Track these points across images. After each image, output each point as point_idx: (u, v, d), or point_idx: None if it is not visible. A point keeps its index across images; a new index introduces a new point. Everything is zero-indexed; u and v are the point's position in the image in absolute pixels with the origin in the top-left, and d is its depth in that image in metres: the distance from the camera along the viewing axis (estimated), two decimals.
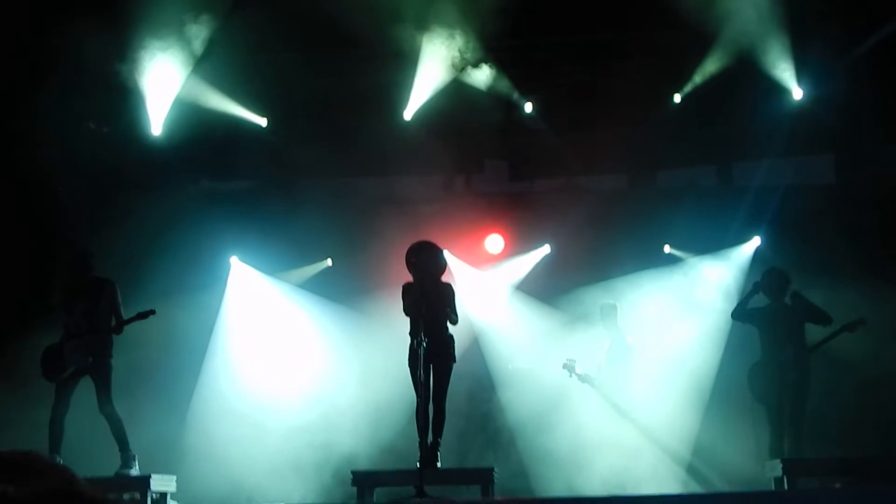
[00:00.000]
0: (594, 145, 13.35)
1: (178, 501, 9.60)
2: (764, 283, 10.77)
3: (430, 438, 9.13)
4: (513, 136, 14.42)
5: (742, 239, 13.94)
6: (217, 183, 14.95)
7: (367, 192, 14.95)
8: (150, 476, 9.08)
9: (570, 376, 12.32)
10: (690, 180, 14.75)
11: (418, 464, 8.91)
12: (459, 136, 14.02)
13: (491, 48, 12.87)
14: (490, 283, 14.65)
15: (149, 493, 8.95)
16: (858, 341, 10.95)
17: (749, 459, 10.93)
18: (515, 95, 13.55)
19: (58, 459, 9.13)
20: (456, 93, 13.20)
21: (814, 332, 10.62)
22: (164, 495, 9.21)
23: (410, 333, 9.13)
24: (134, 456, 9.41)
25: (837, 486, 9.21)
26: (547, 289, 14.29)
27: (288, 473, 12.23)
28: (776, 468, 9.37)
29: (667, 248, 14.24)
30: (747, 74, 12.57)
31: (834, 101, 12.50)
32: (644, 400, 11.99)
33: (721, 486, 11.37)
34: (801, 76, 12.58)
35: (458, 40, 12.62)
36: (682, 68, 13.08)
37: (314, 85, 13.53)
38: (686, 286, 13.83)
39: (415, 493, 8.44)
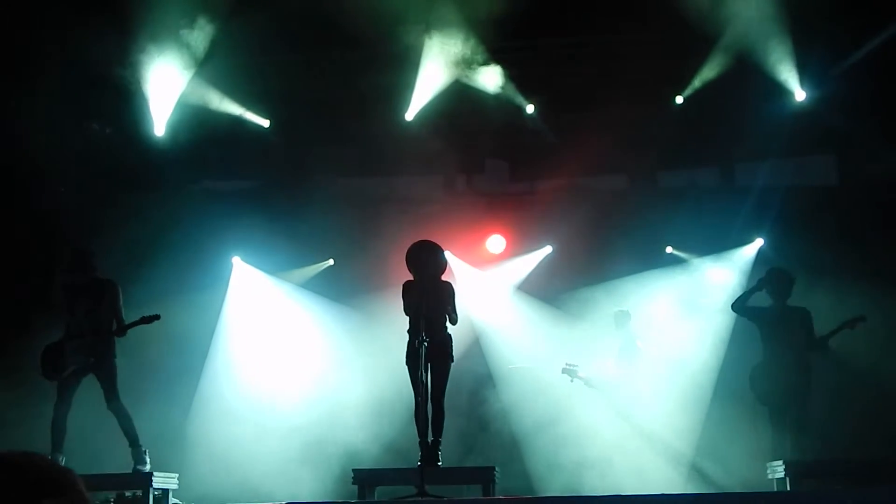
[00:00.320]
0: (595, 146, 13.34)
1: (180, 499, 9.61)
2: (767, 283, 10.73)
3: (430, 437, 9.14)
4: (514, 136, 14.44)
5: (744, 240, 13.94)
6: (220, 183, 14.97)
7: (368, 193, 14.96)
8: (152, 474, 9.09)
9: (572, 381, 12.32)
10: (692, 181, 14.76)
11: (419, 463, 8.93)
12: (461, 137, 14.04)
13: (492, 49, 12.90)
14: (491, 283, 14.65)
15: (151, 491, 8.94)
16: (861, 342, 10.95)
17: (751, 461, 10.90)
18: (517, 96, 13.56)
19: (60, 458, 9.16)
20: (457, 93, 13.24)
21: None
22: (166, 493, 9.21)
23: (409, 332, 9.14)
24: (145, 451, 9.42)
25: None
26: (548, 289, 14.30)
27: (289, 472, 12.23)
28: (778, 469, 9.36)
29: (669, 249, 14.24)
30: (749, 75, 12.59)
31: (836, 102, 12.51)
32: (650, 402, 12.01)
33: (723, 486, 11.35)
34: (802, 77, 12.60)
35: (460, 41, 12.64)
36: (684, 69, 13.10)
37: (316, 85, 13.53)
38: (688, 287, 13.83)
39: (416, 492, 8.43)
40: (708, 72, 12.85)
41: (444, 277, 9.60)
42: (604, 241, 13.77)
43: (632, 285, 13.63)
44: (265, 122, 13.87)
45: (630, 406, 12.14)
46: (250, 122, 13.74)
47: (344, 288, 14.23)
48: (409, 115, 13.46)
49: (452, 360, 9.34)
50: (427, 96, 13.27)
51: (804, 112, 12.82)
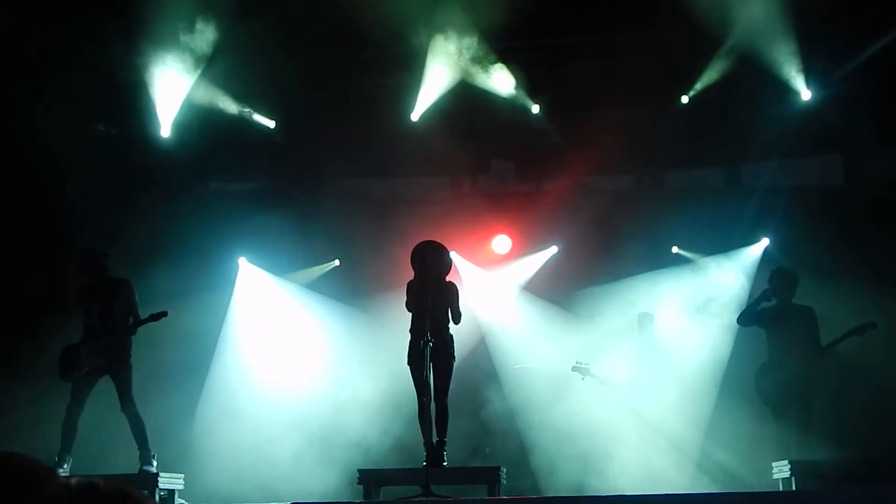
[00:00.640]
0: (601, 146, 13.34)
1: (185, 500, 9.62)
2: (772, 283, 10.75)
3: (435, 438, 9.15)
4: (520, 136, 14.44)
5: (750, 240, 13.92)
6: (226, 184, 14.99)
7: (374, 193, 14.98)
8: (158, 474, 9.11)
9: (583, 379, 12.34)
10: (698, 181, 14.75)
11: (424, 463, 8.95)
12: (466, 137, 14.03)
13: (498, 49, 12.90)
14: (497, 283, 14.65)
15: (157, 491, 8.96)
16: (867, 343, 10.92)
17: (757, 460, 10.91)
18: (523, 96, 13.56)
19: (68, 459, 9.21)
20: (463, 94, 13.23)
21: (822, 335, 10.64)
22: (172, 493, 9.23)
23: (411, 331, 9.17)
24: (154, 454, 9.44)
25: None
26: (554, 289, 14.29)
27: (295, 472, 12.24)
28: (784, 469, 9.35)
29: (675, 249, 14.23)
30: (754, 75, 12.57)
31: (841, 102, 12.50)
32: (662, 401, 12.03)
33: (728, 486, 11.34)
34: (808, 77, 12.59)
35: (466, 42, 12.65)
36: (690, 69, 13.09)
37: (322, 86, 13.54)
38: (694, 287, 13.82)
39: (421, 493, 8.45)
40: (713, 72, 12.85)
41: (448, 278, 9.61)
42: (609, 241, 13.77)
43: (637, 285, 13.62)
44: (271, 123, 13.88)
45: (642, 405, 12.17)
46: (256, 123, 13.74)
47: (350, 289, 14.24)
48: (415, 116, 13.47)
49: (454, 360, 9.35)
50: (433, 97, 13.27)
51: (809, 112, 12.81)
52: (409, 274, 9.54)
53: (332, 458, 12.38)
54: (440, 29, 12.56)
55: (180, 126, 12.98)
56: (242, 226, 13.73)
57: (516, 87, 13.41)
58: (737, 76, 12.74)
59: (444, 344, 9.20)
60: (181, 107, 12.83)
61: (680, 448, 12.05)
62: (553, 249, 14.67)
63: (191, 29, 12.17)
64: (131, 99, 12.67)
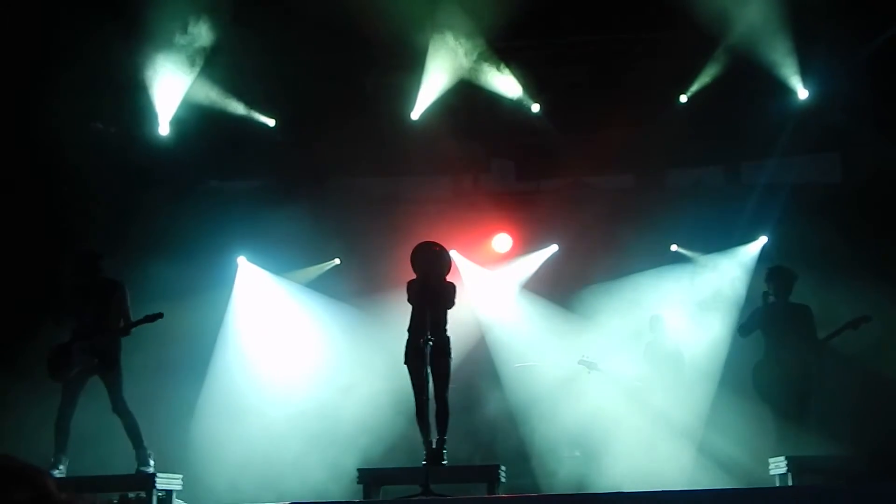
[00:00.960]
0: (601, 145, 13.36)
1: (183, 500, 9.63)
2: (769, 282, 10.78)
3: (435, 436, 9.17)
4: (520, 135, 14.46)
5: (749, 238, 13.95)
6: (225, 183, 14.99)
7: (375, 192, 14.98)
8: (155, 475, 9.11)
9: (589, 373, 12.39)
10: (697, 179, 14.76)
11: (424, 462, 8.96)
12: (467, 136, 14.04)
13: (499, 48, 12.92)
14: (497, 282, 14.66)
15: (154, 492, 8.97)
16: (865, 338, 10.93)
17: (753, 456, 10.91)
18: (523, 95, 13.57)
19: (64, 459, 9.21)
20: (464, 93, 13.24)
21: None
22: (169, 494, 9.23)
23: (409, 330, 9.19)
24: (150, 453, 9.42)
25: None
26: (554, 288, 14.31)
27: (294, 472, 12.25)
28: (780, 465, 9.36)
29: (673, 247, 14.25)
30: (753, 74, 12.60)
31: (839, 100, 12.52)
32: (673, 398, 12.13)
33: (725, 482, 11.34)
34: (806, 76, 12.62)
35: (466, 41, 12.66)
36: (689, 68, 13.12)
37: (322, 84, 13.55)
38: (693, 285, 13.84)
39: (421, 491, 8.46)
40: (712, 71, 12.87)
41: (448, 277, 9.62)
42: (609, 239, 13.75)
43: (637, 284, 13.65)
44: (271, 122, 13.90)
45: (647, 400, 12.26)
46: (256, 122, 13.75)
47: (350, 288, 14.23)
48: (416, 115, 13.48)
49: (452, 359, 9.37)
50: (433, 96, 13.29)
51: (808, 111, 12.84)
52: (409, 273, 9.54)
53: (331, 457, 12.39)
54: (441, 28, 12.57)
55: (179, 124, 12.99)
56: (242, 224, 13.75)
57: (517, 86, 13.43)
58: (735, 75, 12.78)
59: (443, 343, 9.21)
60: (180, 105, 12.83)
61: (679, 443, 12.09)
62: (553, 248, 14.68)
63: (190, 27, 12.18)
64: (130, 97, 12.67)
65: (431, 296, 9.22)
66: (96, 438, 10.36)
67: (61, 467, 9.17)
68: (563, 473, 12.25)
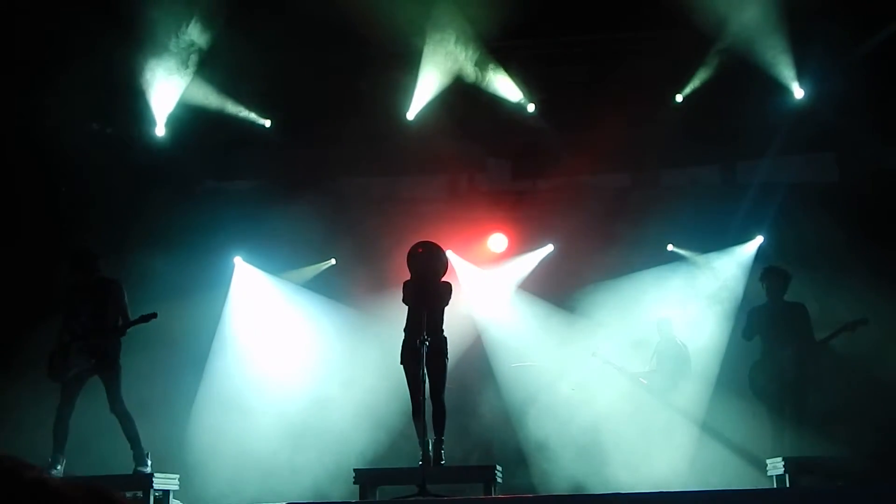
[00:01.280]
0: (597, 144, 13.35)
1: (181, 500, 9.63)
2: (764, 282, 10.81)
3: (432, 437, 9.17)
4: (516, 134, 14.44)
5: (745, 237, 13.96)
6: (221, 183, 14.98)
7: (371, 192, 14.96)
8: (153, 475, 9.11)
9: (602, 364, 12.67)
10: (693, 179, 14.77)
11: (420, 462, 8.96)
12: (463, 136, 14.02)
13: (494, 48, 12.91)
14: (493, 281, 14.65)
15: (151, 492, 8.97)
16: (862, 339, 10.95)
17: (751, 457, 10.93)
18: (519, 94, 13.57)
19: (61, 460, 9.20)
20: (459, 92, 13.23)
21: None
22: (166, 494, 9.23)
23: (405, 331, 9.18)
24: (147, 453, 9.42)
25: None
26: (550, 287, 14.30)
27: (291, 472, 12.24)
28: (778, 466, 9.37)
29: (670, 247, 14.25)
30: (749, 73, 12.61)
31: (835, 99, 12.52)
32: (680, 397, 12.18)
33: (722, 482, 11.35)
34: (801, 75, 12.64)
35: (462, 40, 12.65)
36: (685, 68, 13.12)
37: (318, 84, 13.53)
38: (689, 284, 13.84)
39: (417, 492, 8.45)
40: (707, 71, 12.88)
41: (445, 278, 9.61)
42: (605, 239, 13.75)
43: (634, 283, 13.65)
44: (267, 122, 13.88)
45: (655, 399, 12.34)
46: (252, 122, 13.74)
47: (346, 288, 14.22)
48: (411, 115, 13.47)
49: (448, 359, 9.36)
50: (429, 95, 13.28)
51: (804, 110, 12.86)
52: (406, 273, 9.53)
53: (327, 457, 12.38)
54: (437, 27, 12.56)
55: (176, 125, 12.98)
56: (238, 224, 13.72)
57: (512, 86, 13.42)
58: (731, 75, 12.78)
59: (439, 343, 9.20)
60: (176, 105, 12.82)
61: (679, 442, 12.12)
62: (549, 248, 14.67)
63: (186, 27, 12.16)
64: (126, 98, 12.65)
65: (427, 296, 9.21)
66: (94, 438, 10.34)
67: (59, 467, 9.17)
68: (559, 474, 12.23)
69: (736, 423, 11.94)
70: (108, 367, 9.43)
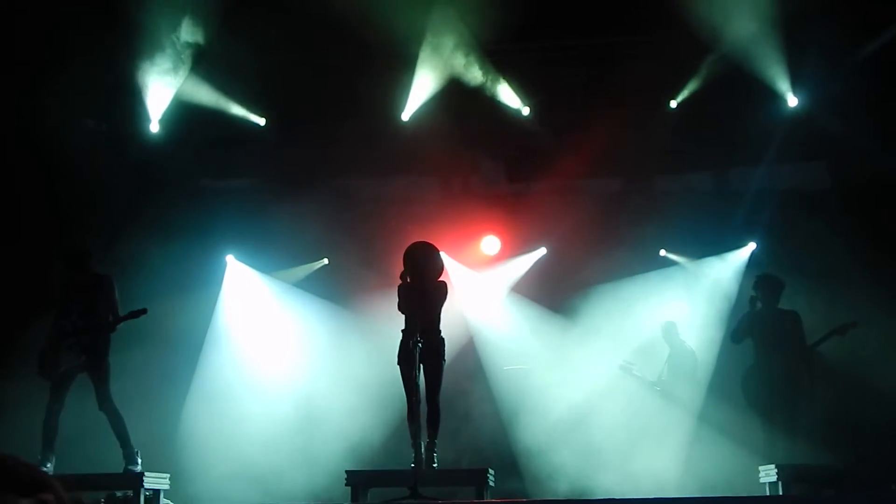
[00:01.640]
0: (591, 148, 13.35)
1: (171, 500, 9.58)
2: (757, 289, 10.82)
3: (425, 438, 9.13)
4: (510, 138, 14.43)
5: (738, 243, 13.98)
6: (214, 182, 14.94)
7: (364, 193, 14.94)
8: (143, 474, 9.05)
9: (630, 374, 12.76)
10: (687, 185, 14.78)
11: (412, 464, 8.93)
12: (457, 138, 14.00)
13: (489, 51, 12.91)
14: (486, 284, 14.64)
15: (142, 491, 8.92)
16: (855, 346, 10.98)
17: (743, 464, 10.92)
18: (514, 97, 13.56)
19: (51, 457, 9.13)
20: (454, 94, 13.22)
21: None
22: (157, 493, 9.18)
23: (403, 332, 9.15)
24: (137, 451, 9.37)
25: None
26: (542, 291, 14.29)
27: (282, 473, 12.21)
28: (770, 473, 9.37)
29: (662, 252, 14.26)
30: (743, 81, 12.63)
31: (828, 107, 12.54)
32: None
33: (715, 490, 11.35)
34: (796, 83, 12.67)
35: (457, 42, 12.64)
36: (680, 74, 13.14)
37: (312, 85, 13.51)
38: (682, 290, 13.85)
39: (409, 494, 8.43)
40: (702, 77, 12.90)
41: (440, 279, 9.57)
42: (598, 243, 13.75)
43: (626, 288, 13.65)
44: (261, 121, 13.85)
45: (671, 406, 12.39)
46: (246, 121, 13.71)
47: (338, 288, 14.19)
48: (406, 116, 13.46)
49: (444, 361, 9.32)
50: (423, 97, 13.27)
51: (797, 117, 12.90)
52: (398, 273, 9.48)
53: (319, 458, 12.34)
54: (434, 30, 12.55)
55: (170, 123, 12.95)
56: (231, 223, 13.69)
57: (507, 89, 13.42)
58: (725, 81, 12.80)
59: (435, 344, 9.16)
60: (170, 103, 12.81)
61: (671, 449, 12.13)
62: (542, 251, 14.66)
63: (181, 26, 12.14)
64: (120, 95, 12.62)
65: (422, 297, 9.18)
66: (84, 437, 10.28)
67: (48, 465, 9.10)
68: (552, 478, 12.23)
69: (727, 429, 11.93)
70: (95, 364, 9.37)
